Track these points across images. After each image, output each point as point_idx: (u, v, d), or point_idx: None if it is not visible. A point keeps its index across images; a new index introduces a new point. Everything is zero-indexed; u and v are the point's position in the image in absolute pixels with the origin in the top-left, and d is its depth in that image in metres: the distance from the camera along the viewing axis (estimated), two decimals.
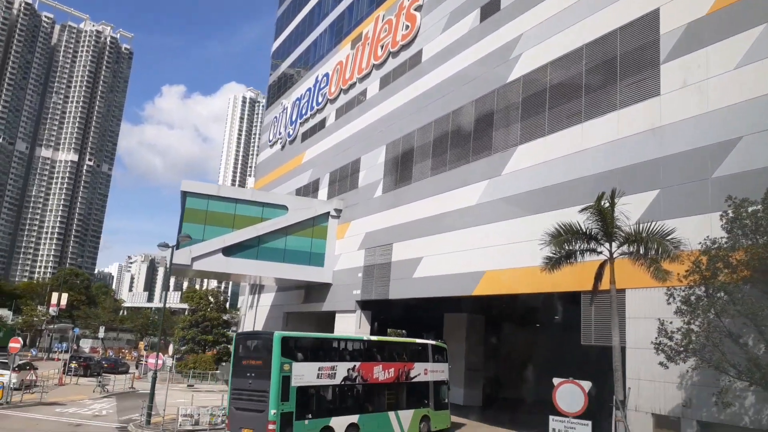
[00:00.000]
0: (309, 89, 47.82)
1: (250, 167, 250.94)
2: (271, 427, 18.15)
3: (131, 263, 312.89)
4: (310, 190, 45.22)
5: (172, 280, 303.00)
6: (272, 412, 18.32)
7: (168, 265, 34.44)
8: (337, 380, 20.71)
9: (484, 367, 38.20)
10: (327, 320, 45.09)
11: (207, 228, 36.12)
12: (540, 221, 21.95)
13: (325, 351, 21.50)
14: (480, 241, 25.61)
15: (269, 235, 38.04)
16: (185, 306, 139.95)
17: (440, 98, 30.59)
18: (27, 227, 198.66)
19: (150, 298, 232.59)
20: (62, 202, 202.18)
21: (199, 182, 39.18)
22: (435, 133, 30.55)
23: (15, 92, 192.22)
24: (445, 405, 25.37)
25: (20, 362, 32.12)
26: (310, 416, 19.49)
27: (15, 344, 27.59)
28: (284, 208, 39.10)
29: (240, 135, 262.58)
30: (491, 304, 31.38)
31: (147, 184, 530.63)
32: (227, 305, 61.60)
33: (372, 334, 36.70)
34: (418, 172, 31.53)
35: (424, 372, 24.51)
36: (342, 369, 20.93)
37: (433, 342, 26.78)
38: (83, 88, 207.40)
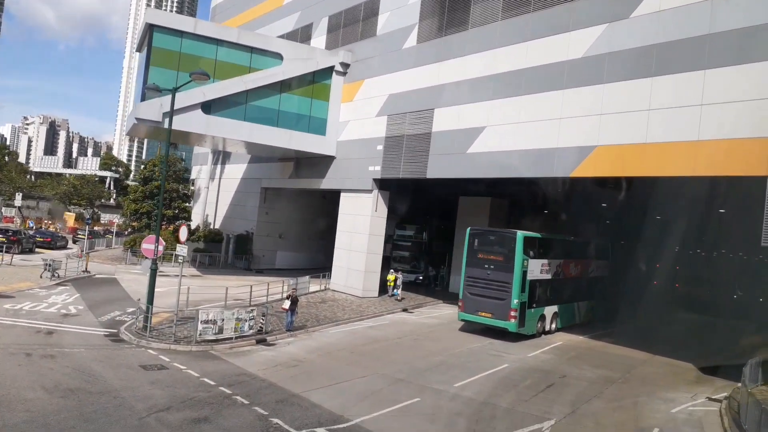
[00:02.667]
0: None
1: None
2: (513, 313, 21.14)
3: (28, 124, 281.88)
4: (297, 38, 36.52)
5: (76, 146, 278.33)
6: (515, 301, 21.17)
7: (161, 119, 26.03)
8: (550, 275, 23.61)
9: None
10: (317, 198, 38.91)
11: (181, 75, 27.53)
12: (720, 77, 16.25)
13: (545, 249, 23.42)
14: (590, 106, 19.63)
15: (260, 91, 30.12)
16: (107, 174, 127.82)
17: None
18: None
19: (54, 164, 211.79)
20: None
21: (172, 14, 29.83)
22: None
23: None
24: (601, 297, 28.11)
25: None
26: (534, 305, 22.49)
27: None
28: (278, 57, 30.83)
29: None
30: (548, 187, 26.27)
31: (40, 37, 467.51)
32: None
33: (390, 218, 31.10)
34: (480, 13, 24.34)
35: (596, 268, 27.89)
36: (553, 265, 23.74)
37: (602, 241, 29.40)
38: None
